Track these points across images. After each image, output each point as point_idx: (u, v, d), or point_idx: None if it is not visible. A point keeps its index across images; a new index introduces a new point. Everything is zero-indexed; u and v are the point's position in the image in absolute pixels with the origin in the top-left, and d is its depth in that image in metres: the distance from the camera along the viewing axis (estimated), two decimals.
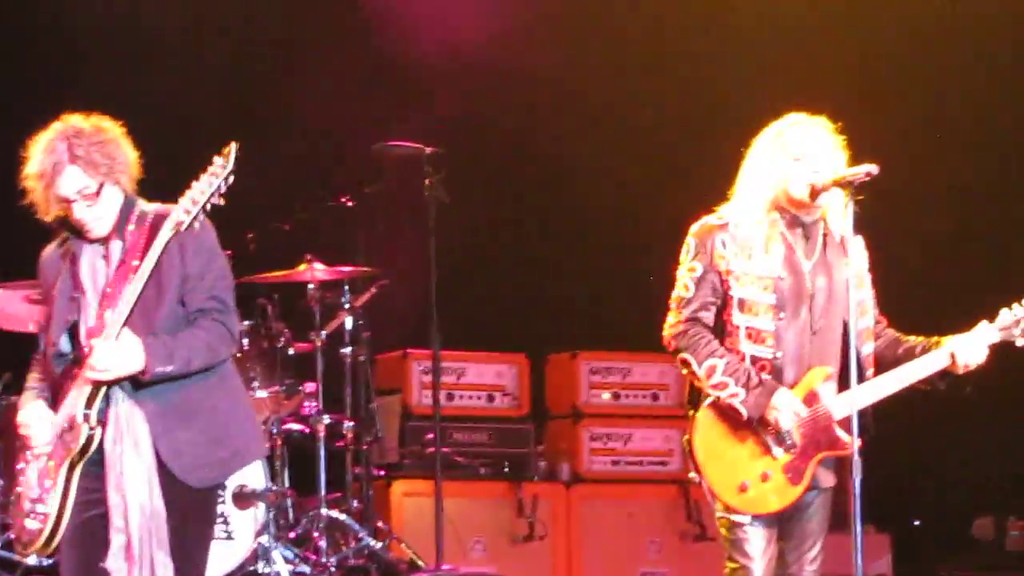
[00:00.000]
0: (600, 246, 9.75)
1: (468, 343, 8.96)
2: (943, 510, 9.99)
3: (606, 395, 9.23)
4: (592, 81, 9.93)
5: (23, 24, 8.59)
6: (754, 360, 5.63)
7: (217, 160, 4.80)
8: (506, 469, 8.92)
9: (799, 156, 5.64)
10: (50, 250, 5.00)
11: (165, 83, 8.81)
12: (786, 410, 5.61)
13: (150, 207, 4.88)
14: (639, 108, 9.84)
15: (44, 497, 4.84)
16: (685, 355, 5.65)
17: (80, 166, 4.77)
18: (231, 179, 4.86)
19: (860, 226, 5.69)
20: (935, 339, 5.78)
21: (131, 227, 4.82)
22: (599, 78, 9.91)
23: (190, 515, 4.88)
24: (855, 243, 5.71)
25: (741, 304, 5.65)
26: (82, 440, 4.75)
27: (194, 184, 4.79)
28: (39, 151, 4.84)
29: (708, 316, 5.68)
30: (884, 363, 5.82)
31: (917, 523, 9.99)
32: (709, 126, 8.66)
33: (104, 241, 4.85)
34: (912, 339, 5.85)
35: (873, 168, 5.51)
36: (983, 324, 5.79)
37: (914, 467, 9.62)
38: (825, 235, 5.75)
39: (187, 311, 4.83)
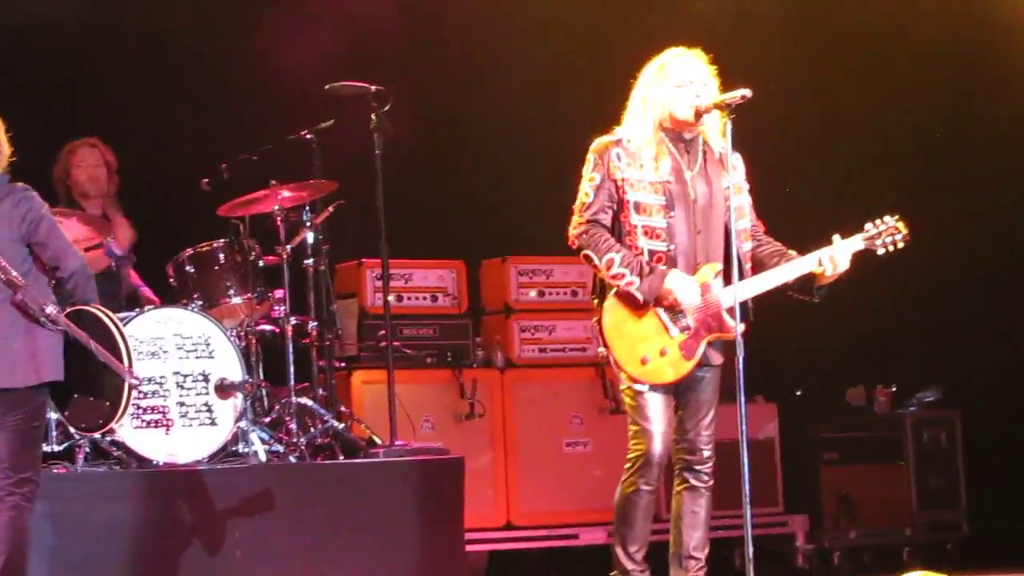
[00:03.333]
0: (523, 166, 9.95)
1: (414, 252, 9.29)
2: (822, 381, 10.46)
3: (532, 293, 9.66)
4: (520, 4, 10.05)
5: None
6: (651, 254, 6.06)
7: None
8: (449, 358, 9.33)
9: (681, 83, 6.10)
10: None
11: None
12: (681, 286, 6.04)
13: None
14: (563, 37, 10.10)
15: None
16: (587, 252, 6.10)
17: None
18: None
19: (736, 143, 6.07)
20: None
21: None
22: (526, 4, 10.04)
23: None
24: (735, 158, 6.15)
25: (637, 207, 6.08)
26: None
27: None
28: None
29: (606, 218, 6.11)
30: (760, 262, 6.22)
31: (799, 393, 10.41)
32: (612, 57, 8.66)
33: None
34: (791, 252, 6.26)
35: (747, 92, 5.94)
36: (853, 237, 6.21)
37: (798, 346, 10.01)
38: (705, 151, 6.20)
39: None
